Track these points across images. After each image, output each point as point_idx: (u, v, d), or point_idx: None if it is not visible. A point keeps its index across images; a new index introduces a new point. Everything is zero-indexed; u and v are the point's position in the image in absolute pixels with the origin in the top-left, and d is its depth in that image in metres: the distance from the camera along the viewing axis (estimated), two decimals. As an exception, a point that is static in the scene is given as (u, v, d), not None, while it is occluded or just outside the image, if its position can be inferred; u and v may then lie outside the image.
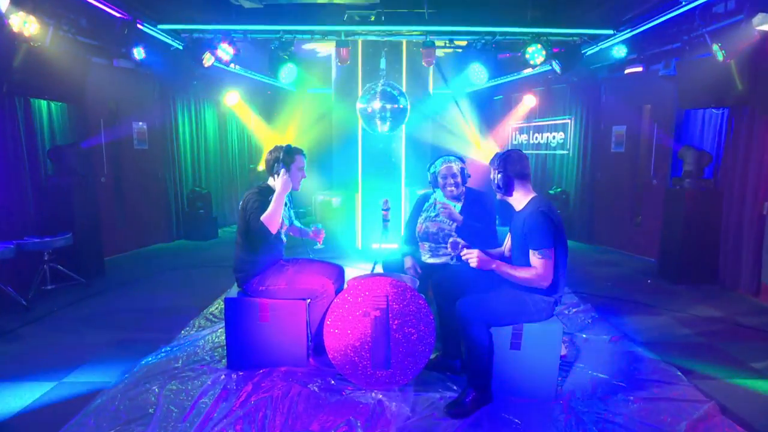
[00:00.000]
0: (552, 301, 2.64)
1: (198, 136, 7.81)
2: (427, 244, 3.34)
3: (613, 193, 6.83)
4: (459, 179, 3.23)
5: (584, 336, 3.60)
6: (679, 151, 5.16)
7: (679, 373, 3.01)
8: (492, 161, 2.67)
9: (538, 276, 2.49)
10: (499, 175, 2.60)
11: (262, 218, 2.73)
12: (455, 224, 3.18)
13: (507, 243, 2.89)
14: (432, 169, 3.31)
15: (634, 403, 2.67)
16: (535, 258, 2.50)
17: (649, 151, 6.22)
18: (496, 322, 2.60)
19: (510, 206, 2.73)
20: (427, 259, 3.32)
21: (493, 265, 2.55)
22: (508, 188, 2.61)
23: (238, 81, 7.77)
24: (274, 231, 2.75)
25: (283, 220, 3.06)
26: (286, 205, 3.16)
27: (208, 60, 5.35)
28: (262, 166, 8.97)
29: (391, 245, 3.58)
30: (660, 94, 5.88)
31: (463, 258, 2.56)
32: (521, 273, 2.53)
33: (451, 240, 2.67)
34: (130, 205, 6.56)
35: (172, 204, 7.23)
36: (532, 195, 2.64)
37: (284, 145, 3.00)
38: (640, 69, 5.79)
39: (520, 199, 2.65)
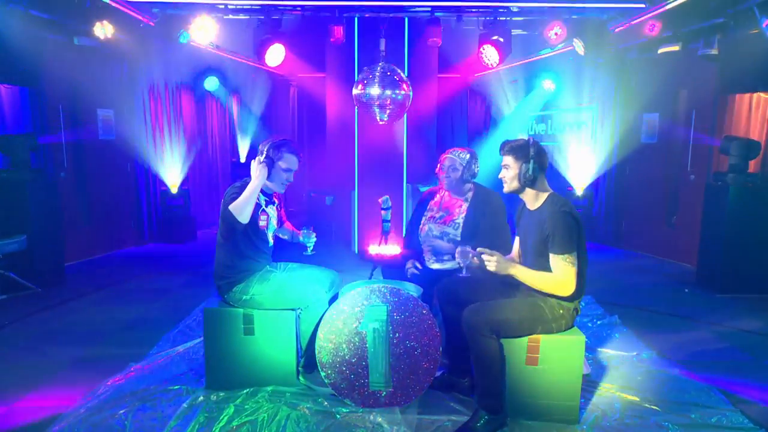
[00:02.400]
0: (572, 309, 2.64)
1: (173, 125, 7.79)
2: (431, 248, 3.33)
3: (643, 189, 6.81)
4: (459, 174, 3.24)
5: (611, 352, 3.59)
6: (722, 141, 5.14)
7: (722, 396, 2.99)
8: (515, 150, 2.61)
9: (558, 283, 2.50)
10: (535, 166, 2.55)
11: (230, 206, 2.74)
12: (460, 228, 3.20)
13: (516, 248, 2.89)
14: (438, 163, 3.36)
15: (669, 430, 2.65)
16: (557, 263, 2.49)
17: (685, 142, 6.20)
18: (509, 333, 2.59)
19: (516, 205, 2.72)
20: (432, 264, 3.32)
21: (512, 269, 2.54)
22: (535, 182, 2.60)
23: (218, 63, 7.76)
24: (243, 220, 2.75)
25: (270, 221, 3.06)
26: (274, 204, 3.15)
27: (183, 39, 5.34)
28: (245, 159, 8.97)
29: (392, 249, 3.57)
30: (699, 77, 5.87)
31: (483, 258, 2.54)
32: (541, 277, 2.53)
33: (459, 249, 2.65)
34: (95, 203, 6.54)
35: (143, 202, 7.22)
36: (549, 191, 2.64)
37: (276, 138, 3.00)
38: (676, 48, 5.76)
39: (537, 196, 2.64)
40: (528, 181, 2.59)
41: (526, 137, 2.67)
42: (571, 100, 7.97)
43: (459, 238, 3.22)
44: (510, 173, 2.64)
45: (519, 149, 2.61)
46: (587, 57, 5.92)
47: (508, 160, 2.64)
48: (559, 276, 2.49)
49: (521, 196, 2.70)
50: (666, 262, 6.32)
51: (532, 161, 2.57)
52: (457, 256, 2.66)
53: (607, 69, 7.15)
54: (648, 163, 6.70)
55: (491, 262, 2.52)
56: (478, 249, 2.57)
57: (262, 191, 3.04)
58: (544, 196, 2.63)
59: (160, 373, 3.21)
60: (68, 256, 5.59)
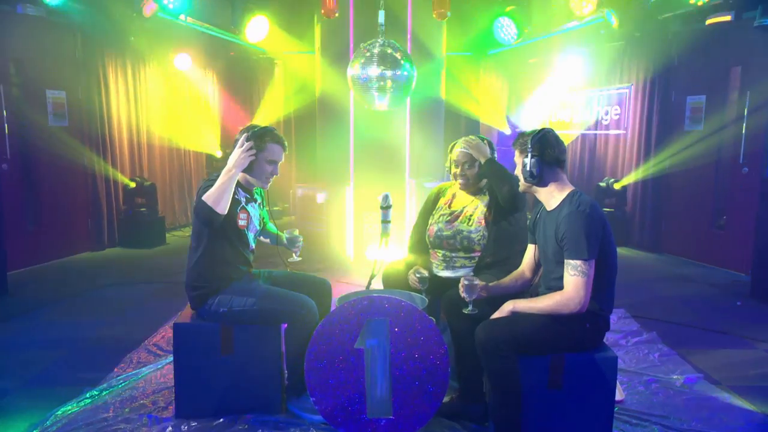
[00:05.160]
0: (600, 322, 2.65)
1: (138, 110, 7.81)
2: (440, 253, 3.33)
3: (687, 185, 6.82)
4: (476, 170, 3.25)
5: (649, 375, 3.59)
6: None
7: (783, 427, 3.00)
8: (519, 143, 2.71)
9: (564, 298, 2.52)
10: (533, 160, 2.62)
11: (203, 197, 2.78)
12: (474, 224, 3.20)
13: (528, 259, 2.92)
14: (449, 153, 3.36)
15: (719, 466, 2.66)
16: (565, 271, 2.53)
17: (738, 129, 6.21)
18: (529, 350, 2.61)
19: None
20: (441, 271, 3.32)
21: (510, 307, 2.65)
22: (542, 178, 2.65)
23: (191, 38, 7.78)
24: (220, 210, 2.77)
25: (251, 221, 3.06)
26: (256, 201, 3.16)
27: (149, 8, 5.35)
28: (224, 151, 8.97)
29: (393, 254, 3.58)
30: (755, 52, 5.87)
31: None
32: (544, 302, 2.59)
33: (464, 283, 2.69)
34: (45, 201, 6.54)
35: (102, 200, 7.22)
36: (569, 189, 2.67)
37: (257, 126, 3.03)
38: (727, 18, 5.76)
39: (553, 195, 2.68)
40: (531, 179, 2.65)
41: (545, 126, 2.71)
42: (602, 81, 7.98)
43: (474, 236, 3.20)
44: (517, 170, 2.73)
45: (521, 142, 2.69)
46: (621, 30, 5.92)
47: (516, 154, 2.73)
48: (567, 291, 2.51)
49: (537, 196, 2.75)
50: (714, 270, 6.33)
51: (529, 155, 2.62)
52: (461, 290, 2.70)
53: (644, 44, 7.17)
54: (692, 154, 6.70)
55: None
56: (477, 287, 2.68)
57: (243, 187, 3.06)
58: (562, 194, 2.66)
59: (120, 400, 3.21)
60: (11, 263, 5.56)
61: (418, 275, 3.19)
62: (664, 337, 4.19)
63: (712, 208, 6.58)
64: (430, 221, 3.41)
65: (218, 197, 2.77)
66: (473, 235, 3.21)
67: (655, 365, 3.74)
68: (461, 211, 3.31)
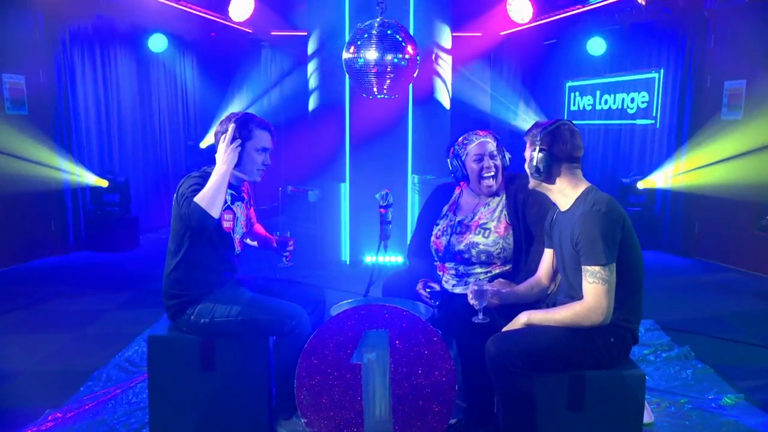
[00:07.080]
0: (626, 335, 2.64)
1: (107, 97, 7.81)
2: (451, 266, 3.29)
3: (724, 181, 6.81)
4: (499, 162, 3.22)
5: (681, 395, 3.58)
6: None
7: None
8: (531, 134, 2.70)
9: (585, 308, 2.51)
10: (540, 155, 2.62)
11: (195, 198, 2.77)
12: (491, 234, 3.17)
13: (544, 265, 2.92)
14: (456, 150, 3.27)
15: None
16: (584, 279, 2.53)
17: (781, 119, 6.22)
18: (545, 366, 2.60)
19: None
20: (452, 287, 3.29)
21: (524, 318, 2.65)
22: (550, 175, 2.65)
23: (167, 17, 7.78)
24: (215, 214, 2.77)
25: (238, 221, 3.07)
26: (244, 201, 3.16)
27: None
28: (207, 143, 8.98)
29: (394, 258, 3.58)
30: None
31: None
32: (563, 313, 2.58)
33: (473, 288, 2.68)
34: (1, 199, 6.52)
35: (68, 198, 7.24)
36: (584, 186, 2.67)
37: (240, 113, 3.03)
38: (770, -7, 5.76)
39: (566, 194, 2.68)
40: (537, 175, 2.65)
41: (564, 117, 2.70)
42: (628, 65, 7.98)
43: (493, 249, 3.16)
44: (530, 164, 2.71)
45: (533, 134, 2.69)
46: (650, 8, 5.94)
47: (526, 146, 2.72)
48: (586, 300, 2.51)
49: (549, 195, 2.75)
50: (755, 277, 6.34)
51: (537, 148, 2.62)
52: (470, 297, 2.70)
53: (676, 23, 7.17)
54: (730, 147, 6.70)
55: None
56: (488, 293, 2.69)
57: (228, 184, 3.06)
58: (575, 192, 2.66)
59: (87, 423, 3.20)
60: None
61: (428, 289, 3.13)
62: (699, 352, 4.18)
63: (753, 207, 6.57)
64: (434, 230, 3.34)
65: (212, 199, 2.77)
66: (491, 249, 3.16)
67: (689, 384, 3.74)
68: (473, 219, 3.25)
